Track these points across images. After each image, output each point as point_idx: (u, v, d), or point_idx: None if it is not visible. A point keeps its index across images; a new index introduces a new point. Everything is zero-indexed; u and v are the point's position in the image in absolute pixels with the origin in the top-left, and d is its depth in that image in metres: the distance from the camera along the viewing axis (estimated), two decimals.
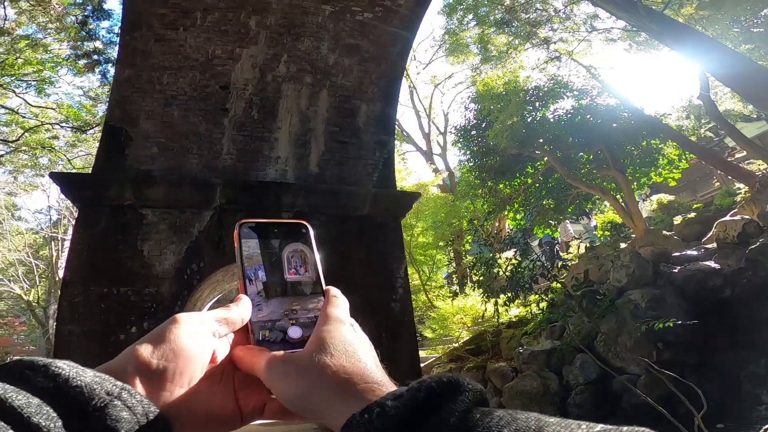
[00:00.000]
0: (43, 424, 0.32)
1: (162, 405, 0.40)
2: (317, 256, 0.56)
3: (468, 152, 13.84)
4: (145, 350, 0.42)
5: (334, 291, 0.53)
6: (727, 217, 8.90)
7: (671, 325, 5.85)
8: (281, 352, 0.47)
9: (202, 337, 0.46)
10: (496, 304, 8.76)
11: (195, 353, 0.44)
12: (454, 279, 19.24)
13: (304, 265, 0.55)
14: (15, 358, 0.37)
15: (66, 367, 0.36)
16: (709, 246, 8.95)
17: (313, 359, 0.44)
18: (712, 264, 7.76)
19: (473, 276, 10.26)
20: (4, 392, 0.32)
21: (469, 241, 18.67)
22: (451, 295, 15.33)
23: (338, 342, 0.45)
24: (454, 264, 20.11)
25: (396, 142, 17.32)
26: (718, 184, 15.61)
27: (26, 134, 16.23)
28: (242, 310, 0.50)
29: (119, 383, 0.38)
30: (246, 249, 0.53)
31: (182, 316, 0.46)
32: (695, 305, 7.17)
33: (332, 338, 0.45)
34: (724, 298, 7.24)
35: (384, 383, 0.42)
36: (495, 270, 8.80)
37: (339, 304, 0.51)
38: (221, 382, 0.47)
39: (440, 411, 0.36)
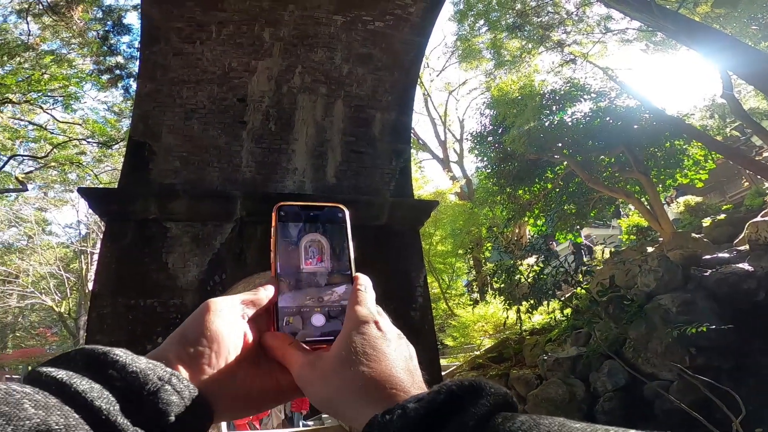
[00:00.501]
0: (104, 407, 0.34)
1: (203, 388, 0.42)
2: (350, 242, 0.55)
3: (485, 159, 13.75)
4: (182, 338, 0.45)
5: (360, 283, 0.53)
6: (759, 218, 8.60)
7: (704, 329, 5.66)
8: (309, 356, 0.47)
9: (232, 321, 0.47)
10: (518, 311, 8.60)
11: (227, 336, 0.46)
12: (475, 287, 19.03)
13: (335, 251, 0.54)
14: (77, 347, 0.40)
15: (123, 354, 0.39)
16: (741, 248, 8.64)
17: (337, 365, 0.44)
18: (744, 266, 7.49)
19: (494, 283, 10.11)
20: (69, 378, 0.35)
21: (489, 248, 18.47)
22: (471, 303, 15.14)
23: (362, 346, 0.45)
24: (474, 272, 19.91)
25: (412, 150, 17.35)
26: (748, 183, 15.10)
27: (55, 150, 16.81)
28: (268, 292, 0.51)
29: (169, 369, 0.40)
30: (281, 232, 0.53)
31: (212, 303, 0.48)
32: (729, 309, 6.93)
33: (356, 342, 0.45)
34: (758, 300, 6.98)
35: (407, 387, 0.42)
36: (516, 277, 8.66)
37: (364, 299, 0.50)
38: (258, 362, 0.49)
39: (460, 414, 0.36)
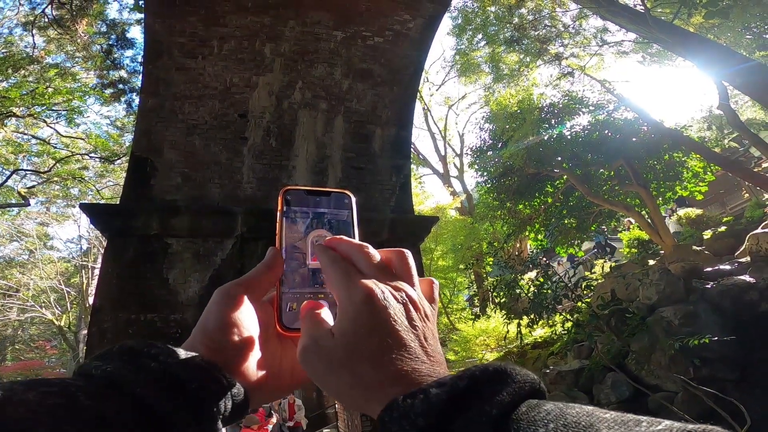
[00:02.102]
0: (151, 396, 0.37)
1: (234, 374, 0.43)
2: (356, 229, 0.54)
3: (485, 173, 13.78)
4: (204, 329, 0.46)
5: (336, 246, 0.49)
6: (759, 230, 8.60)
7: (707, 341, 5.64)
8: (313, 333, 0.43)
9: (246, 304, 0.48)
10: (519, 325, 8.55)
11: (245, 321, 0.47)
12: (476, 301, 18.94)
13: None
14: (119, 343, 0.42)
15: (163, 346, 0.41)
16: (743, 260, 8.63)
17: (344, 359, 0.40)
18: (746, 278, 7.48)
19: (495, 298, 10.08)
20: (116, 370, 0.38)
21: (490, 263, 18.42)
22: (473, 317, 15.06)
23: (368, 335, 0.40)
24: (475, 286, 19.84)
25: (412, 165, 17.41)
26: (747, 195, 15.12)
27: (57, 165, 16.83)
28: (272, 268, 0.50)
29: (205, 359, 0.42)
30: (286, 217, 0.52)
31: (223, 290, 0.48)
32: (732, 320, 6.90)
33: (360, 329, 0.41)
34: (761, 312, 6.95)
35: (423, 375, 0.38)
36: (517, 291, 8.63)
37: (346, 270, 0.45)
38: (282, 343, 0.49)
39: (482, 401, 0.34)
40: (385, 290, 0.43)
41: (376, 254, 0.48)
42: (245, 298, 0.48)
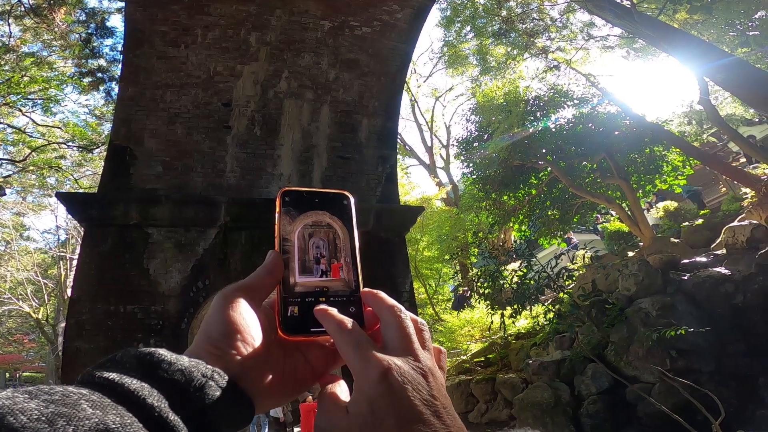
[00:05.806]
0: (155, 404, 0.36)
1: (238, 380, 0.43)
2: (355, 230, 0.53)
3: (471, 165, 13.84)
4: (207, 335, 0.46)
5: (376, 310, 0.49)
6: (735, 223, 8.83)
7: (683, 332, 5.77)
8: (323, 424, 0.44)
9: (248, 309, 0.47)
10: (502, 316, 8.66)
11: (248, 326, 0.46)
12: (461, 292, 19.10)
13: (340, 241, 0.53)
14: (123, 349, 0.41)
15: (167, 354, 0.40)
16: (718, 252, 8.85)
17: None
18: (722, 270, 7.67)
19: (479, 288, 10.17)
20: (120, 378, 0.37)
21: (475, 253, 18.59)
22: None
23: (384, 411, 0.40)
24: (460, 277, 20.02)
25: (398, 156, 17.40)
26: (724, 189, 15.50)
27: (33, 154, 16.44)
28: (272, 273, 0.49)
29: (210, 366, 0.41)
30: (284, 219, 0.51)
31: (226, 295, 0.48)
32: (707, 312, 7.07)
33: (375, 411, 0.41)
34: (736, 304, 7.14)
35: None
36: (501, 282, 8.72)
37: (393, 335, 0.46)
38: (285, 347, 0.49)
39: None
40: (403, 365, 0.42)
41: (408, 320, 0.47)
42: (247, 302, 0.47)
